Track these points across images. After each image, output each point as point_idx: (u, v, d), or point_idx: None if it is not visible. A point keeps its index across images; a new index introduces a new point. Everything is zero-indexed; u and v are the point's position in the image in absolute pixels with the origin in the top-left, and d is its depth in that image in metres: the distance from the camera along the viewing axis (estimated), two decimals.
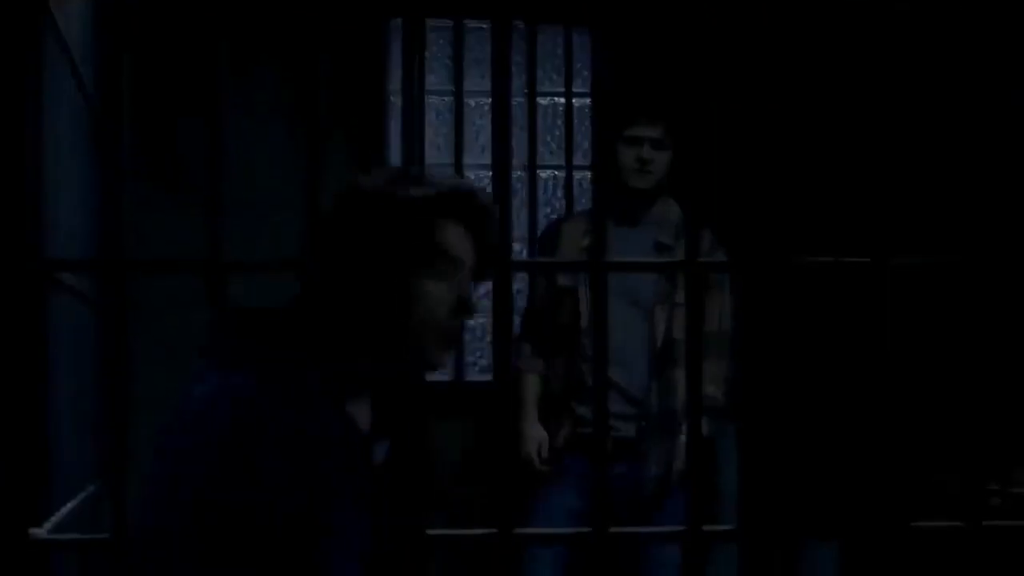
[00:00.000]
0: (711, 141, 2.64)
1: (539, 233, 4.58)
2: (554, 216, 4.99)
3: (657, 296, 4.09)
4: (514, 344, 4.23)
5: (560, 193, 5.28)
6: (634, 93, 4.90)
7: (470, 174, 5.21)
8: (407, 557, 1.88)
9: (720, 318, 4.10)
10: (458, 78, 5.17)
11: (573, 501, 4.02)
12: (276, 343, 1.72)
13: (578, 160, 5.25)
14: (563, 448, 4.09)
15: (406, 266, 1.71)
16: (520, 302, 4.41)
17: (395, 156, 5.12)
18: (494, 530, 2.56)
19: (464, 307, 1.73)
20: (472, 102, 5.25)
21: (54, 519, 2.58)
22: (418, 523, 1.91)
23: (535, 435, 4.11)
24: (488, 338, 5.10)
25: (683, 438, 4.04)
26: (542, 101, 5.28)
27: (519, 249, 4.90)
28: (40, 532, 2.40)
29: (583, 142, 5.25)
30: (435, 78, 5.23)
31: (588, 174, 5.19)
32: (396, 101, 5.16)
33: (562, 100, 5.27)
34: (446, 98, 5.24)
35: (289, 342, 1.73)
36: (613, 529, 2.62)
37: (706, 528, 2.61)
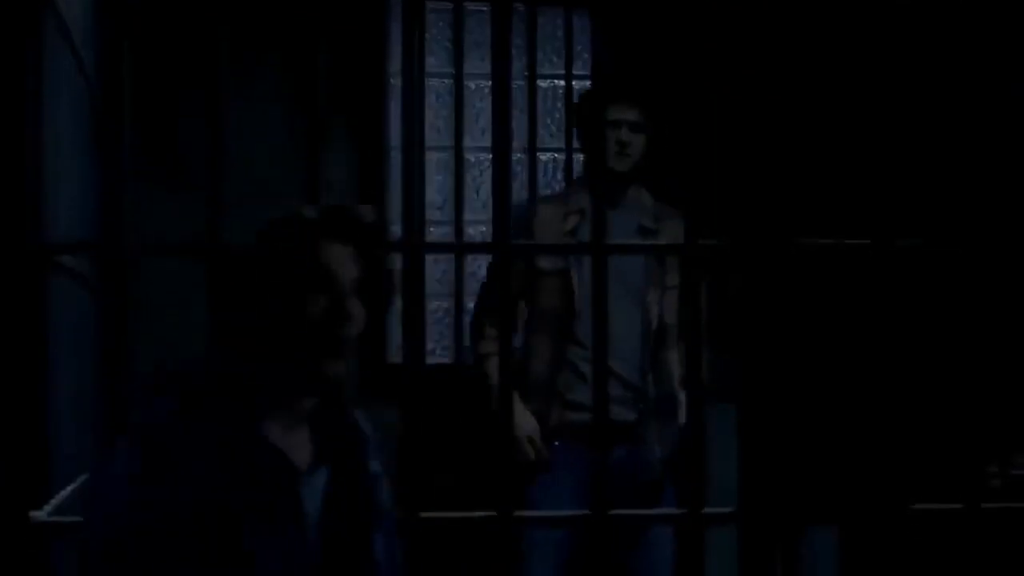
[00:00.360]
0: (711, 124, 2.63)
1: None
2: None
3: (648, 280, 4.08)
4: (472, 329, 4.20)
5: (560, 176, 5.27)
6: (611, 76, 4.90)
7: (470, 157, 5.21)
8: None
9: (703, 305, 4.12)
10: (458, 60, 5.16)
11: (571, 491, 3.98)
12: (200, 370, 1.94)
13: (578, 143, 5.24)
14: (553, 434, 4.06)
15: (293, 285, 1.88)
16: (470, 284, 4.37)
17: (395, 139, 5.12)
18: (493, 513, 2.57)
19: (345, 318, 1.89)
20: (472, 84, 5.25)
21: (54, 502, 2.58)
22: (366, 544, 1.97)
23: (524, 421, 4.06)
24: None
25: (683, 421, 4.04)
26: (542, 84, 5.27)
27: None
28: (40, 515, 2.40)
29: None
30: (435, 60, 5.22)
31: None
32: (396, 83, 5.15)
33: (562, 83, 5.26)
34: (446, 80, 5.23)
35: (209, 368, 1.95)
36: (613, 511, 2.62)
37: (706, 511, 2.62)
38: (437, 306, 5.16)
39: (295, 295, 1.87)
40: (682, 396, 4.07)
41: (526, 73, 5.16)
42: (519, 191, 5.16)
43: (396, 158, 5.13)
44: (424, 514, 2.55)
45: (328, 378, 1.90)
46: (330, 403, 1.98)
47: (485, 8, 5.17)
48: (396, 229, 5.09)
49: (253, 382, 1.90)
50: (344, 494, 1.95)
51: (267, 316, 1.88)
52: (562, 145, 5.26)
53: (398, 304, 5.03)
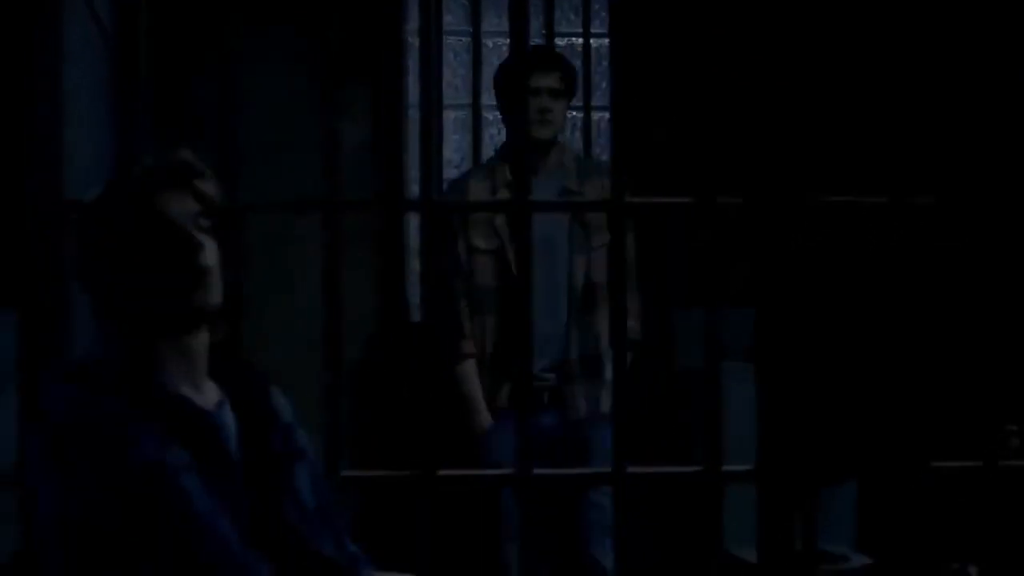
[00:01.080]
0: (725, 82, 2.64)
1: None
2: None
3: (572, 242, 4.11)
4: (449, 317, 4.17)
5: (578, 135, 5.26)
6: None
7: (488, 115, 5.20)
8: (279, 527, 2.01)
9: (631, 257, 4.17)
10: (475, 18, 5.14)
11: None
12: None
13: (596, 101, 5.23)
14: (500, 412, 4.10)
15: (138, 234, 1.99)
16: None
17: (413, 97, 5.11)
18: (511, 472, 2.58)
19: (195, 247, 1.99)
20: (490, 42, 5.23)
21: None
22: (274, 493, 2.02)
23: (484, 420, 4.15)
24: None
25: (608, 378, 4.08)
26: (560, 42, 5.25)
27: None
28: None
29: (601, 83, 5.23)
30: (452, 18, 5.20)
31: (606, 115, 5.17)
32: (414, 42, 5.14)
33: (580, 41, 5.24)
34: (463, 38, 5.22)
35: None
36: (632, 469, 2.64)
37: (725, 468, 2.62)
38: None
39: (142, 242, 1.98)
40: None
41: (544, 31, 5.15)
42: None
43: (414, 116, 5.12)
44: (441, 472, 2.56)
45: (199, 307, 1.99)
46: (222, 347, 2.06)
47: None
48: (414, 188, 5.09)
49: (140, 338, 1.98)
50: (255, 431, 2.03)
51: (126, 268, 1.98)
52: (580, 103, 5.24)
53: (415, 264, 4.99)
